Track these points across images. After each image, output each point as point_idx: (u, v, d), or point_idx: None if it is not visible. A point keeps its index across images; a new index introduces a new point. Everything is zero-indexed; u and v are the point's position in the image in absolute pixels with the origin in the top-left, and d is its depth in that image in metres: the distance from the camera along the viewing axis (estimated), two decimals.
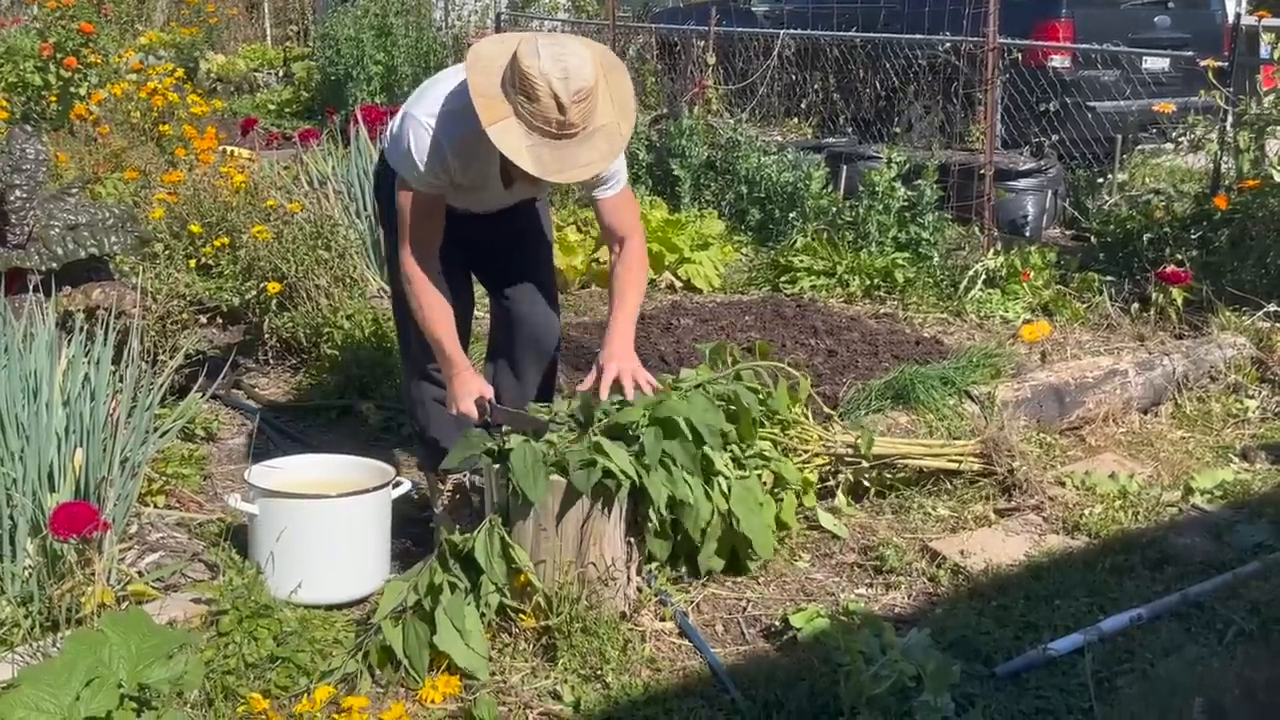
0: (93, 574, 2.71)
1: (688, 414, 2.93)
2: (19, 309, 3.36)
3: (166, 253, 4.78)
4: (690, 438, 2.92)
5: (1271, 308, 4.82)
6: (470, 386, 3.02)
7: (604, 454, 2.78)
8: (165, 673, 2.22)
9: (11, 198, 3.91)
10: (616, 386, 3.02)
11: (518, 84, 2.67)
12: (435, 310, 3.02)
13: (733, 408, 3.18)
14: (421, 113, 2.93)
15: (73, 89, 7.87)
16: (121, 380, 3.12)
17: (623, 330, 3.09)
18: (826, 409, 3.68)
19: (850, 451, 3.49)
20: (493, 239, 3.31)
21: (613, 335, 3.09)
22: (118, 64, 8.59)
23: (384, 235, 3.49)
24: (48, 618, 2.71)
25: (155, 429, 3.22)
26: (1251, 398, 4.39)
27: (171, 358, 3.70)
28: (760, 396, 3.34)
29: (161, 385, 3.27)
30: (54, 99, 7.89)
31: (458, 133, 2.87)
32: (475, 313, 3.57)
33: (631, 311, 3.13)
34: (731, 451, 3.17)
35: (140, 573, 2.99)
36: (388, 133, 3.23)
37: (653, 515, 2.91)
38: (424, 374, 3.32)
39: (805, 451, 3.44)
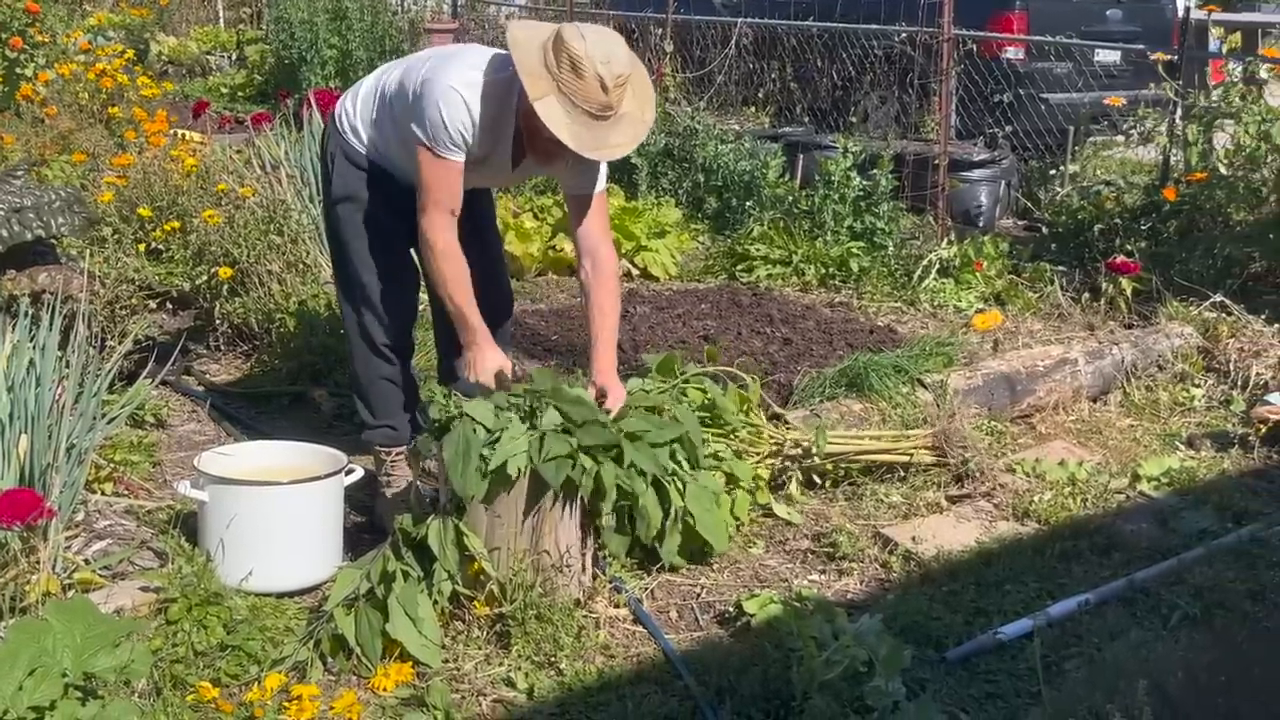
0: (37, 562, 2.67)
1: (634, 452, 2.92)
2: None
3: (115, 236, 4.71)
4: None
5: (1218, 298, 4.89)
6: (493, 360, 3.09)
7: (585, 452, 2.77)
8: (111, 661, 2.19)
9: None
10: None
11: (564, 64, 2.79)
12: (462, 282, 3.08)
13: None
14: (455, 80, 2.98)
15: (19, 69, 7.69)
16: (68, 365, 3.07)
17: (607, 347, 3.18)
18: (777, 407, 3.72)
19: (802, 450, 3.52)
20: None
21: (600, 355, 3.16)
22: (66, 44, 8.42)
23: (328, 211, 3.41)
24: None
25: (103, 415, 3.17)
26: (1198, 386, 4.46)
27: (120, 343, 3.64)
28: (707, 399, 3.38)
29: (109, 371, 3.22)
30: None
31: (488, 105, 2.97)
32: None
33: (613, 330, 3.23)
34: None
35: (87, 560, 2.95)
36: (354, 107, 3.27)
37: (608, 508, 2.90)
38: (376, 351, 3.34)
39: (757, 452, 3.47)
